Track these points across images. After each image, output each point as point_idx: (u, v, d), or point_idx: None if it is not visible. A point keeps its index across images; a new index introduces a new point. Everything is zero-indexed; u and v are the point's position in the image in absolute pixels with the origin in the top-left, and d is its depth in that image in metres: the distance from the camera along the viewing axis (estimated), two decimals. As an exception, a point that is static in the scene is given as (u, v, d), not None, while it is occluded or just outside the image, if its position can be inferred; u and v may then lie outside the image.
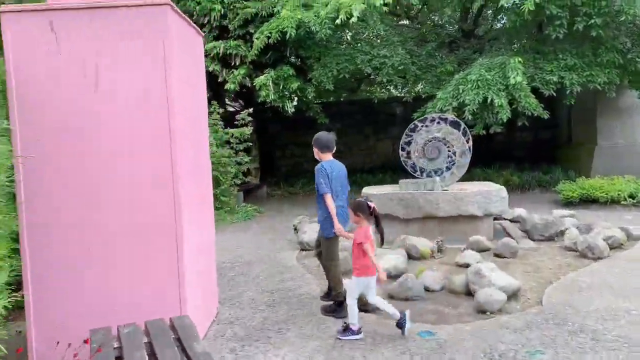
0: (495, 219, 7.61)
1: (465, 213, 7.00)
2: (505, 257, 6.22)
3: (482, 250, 6.45)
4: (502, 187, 7.37)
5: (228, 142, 10.73)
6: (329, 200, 4.44)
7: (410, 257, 6.27)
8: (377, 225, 4.16)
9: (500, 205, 7.13)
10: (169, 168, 3.56)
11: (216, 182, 10.19)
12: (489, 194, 7.06)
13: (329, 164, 4.60)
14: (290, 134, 16.42)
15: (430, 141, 7.57)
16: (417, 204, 7.15)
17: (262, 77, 10.99)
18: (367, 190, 7.84)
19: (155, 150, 3.55)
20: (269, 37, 10.56)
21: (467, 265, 5.56)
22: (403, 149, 7.78)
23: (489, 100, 9.61)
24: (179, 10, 3.85)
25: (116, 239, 3.55)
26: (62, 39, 3.50)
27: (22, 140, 3.48)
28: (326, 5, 10.36)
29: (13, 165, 3.39)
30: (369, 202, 4.12)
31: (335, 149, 4.78)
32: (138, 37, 3.51)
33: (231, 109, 14.74)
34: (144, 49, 3.51)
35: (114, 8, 3.50)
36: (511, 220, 8.08)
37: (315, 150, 4.75)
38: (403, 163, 7.77)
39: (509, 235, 7.25)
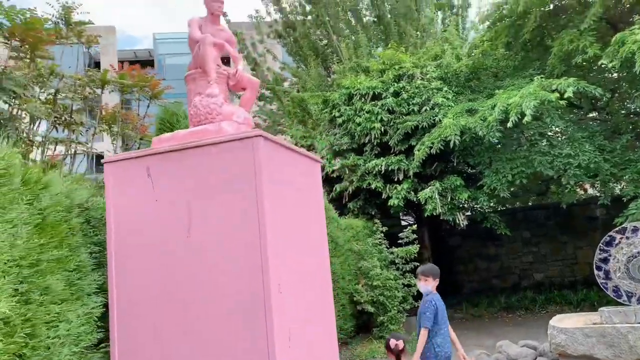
0: None
1: None
2: None
3: None
4: None
5: (393, 263, 9.92)
6: (424, 335, 4.57)
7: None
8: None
9: None
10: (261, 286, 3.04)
11: (382, 309, 9.33)
12: None
13: (437, 298, 4.70)
14: (473, 245, 15.00)
15: (636, 257, 5.85)
16: (625, 342, 5.38)
17: (426, 190, 10.23)
18: (556, 321, 6.24)
19: (247, 272, 3.16)
20: (430, 148, 9.92)
21: None
22: (599, 268, 6.14)
23: None
24: (281, 140, 3.46)
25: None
26: (157, 181, 3.30)
27: (117, 274, 3.25)
28: (492, 108, 9.46)
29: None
30: (391, 340, 4.27)
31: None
32: (229, 170, 3.20)
33: (403, 224, 14.05)
34: (235, 179, 3.20)
35: (204, 146, 3.24)
36: None
37: (427, 279, 4.78)
38: (601, 286, 6.11)
39: None
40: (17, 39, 5.20)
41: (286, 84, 17.30)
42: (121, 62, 38.07)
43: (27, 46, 5.30)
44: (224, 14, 15.63)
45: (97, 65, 37.57)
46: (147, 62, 38.85)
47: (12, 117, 5.04)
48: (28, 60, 5.45)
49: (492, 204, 11.25)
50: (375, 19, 16.66)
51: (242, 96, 4.37)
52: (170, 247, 3.26)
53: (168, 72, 28.81)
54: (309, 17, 16.63)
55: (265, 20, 17.60)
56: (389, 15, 16.18)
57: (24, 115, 5.46)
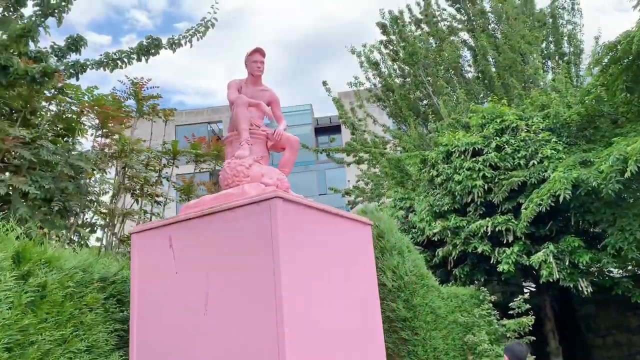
0: None
1: None
2: None
3: None
4: None
5: (505, 337, 8.79)
6: None
7: None
8: None
9: None
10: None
11: (494, 391, 8.20)
12: None
13: None
14: (609, 316, 13.06)
15: None
16: None
17: (539, 254, 9.11)
18: None
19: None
20: (539, 205, 8.90)
21: None
22: None
23: None
24: (308, 201, 3.08)
25: None
26: (178, 251, 3.06)
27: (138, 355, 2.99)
28: (609, 157, 8.33)
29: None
30: None
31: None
32: (247, 237, 2.89)
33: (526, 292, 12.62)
34: (253, 247, 2.87)
35: (221, 212, 2.96)
36: None
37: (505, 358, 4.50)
38: None
39: None
40: (89, 116, 5.52)
41: (389, 146, 17.04)
42: (239, 136, 40.69)
43: (98, 122, 5.61)
44: (332, 89, 15.94)
45: (219, 139, 40.41)
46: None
47: (84, 192, 5.25)
48: (100, 136, 5.76)
49: (619, 266, 9.73)
50: (479, 74, 16.06)
51: (282, 157, 4.12)
52: (188, 326, 2.96)
53: (282, 144, 30.07)
54: (408, 79, 16.45)
55: (365, 85, 17.72)
56: (493, 69, 15.50)
57: (106, 190, 5.69)
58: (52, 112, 5.71)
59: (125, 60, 4.87)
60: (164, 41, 5.07)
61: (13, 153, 4.83)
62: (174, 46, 5.08)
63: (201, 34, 5.21)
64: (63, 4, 4.37)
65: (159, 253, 3.22)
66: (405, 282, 7.90)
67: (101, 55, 4.88)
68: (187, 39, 5.18)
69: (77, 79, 4.87)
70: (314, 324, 2.91)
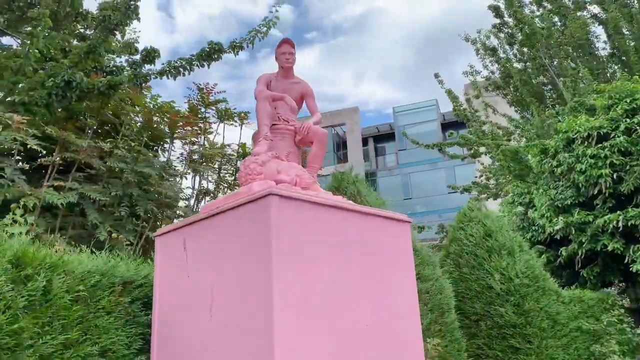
0: None
1: None
2: None
3: None
4: None
5: (641, 349, 7.60)
6: None
7: None
8: None
9: None
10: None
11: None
12: None
13: None
14: None
15: None
16: None
17: (681, 252, 7.74)
18: None
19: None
20: (679, 195, 7.57)
21: None
22: None
23: None
24: (317, 197, 2.81)
25: None
26: (191, 254, 3.01)
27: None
28: None
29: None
30: None
31: None
32: (246, 237, 2.77)
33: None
34: (251, 248, 2.73)
35: (225, 212, 2.84)
36: None
37: None
38: None
39: None
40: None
41: (514, 137, 15.77)
42: (364, 138, 40.51)
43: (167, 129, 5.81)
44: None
45: (344, 144, 40.73)
46: (388, 135, 40.56)
47: (153, 198, 5.47)
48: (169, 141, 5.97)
49: None
50: (615, 51, 14.20)
51: (310, 152, 3.85)
52: (198, 329, 2.86)
53: (408, 142, 29.29)
54: (528, 63, 15.08)
55: (483, 73, 16.59)
56: (631, 42, 13.60)
57: (183, 195, 5.90)
58: (140, 123, 6.09)
59: (187, 67, 4.99)
60: (225, 46, 5.10)
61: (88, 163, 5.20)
62: (235, 49, 5.09)
63: (263, 35, 5.17)
64: (122, 21, 4.61)
65: (176, 256, 3.18)
66: (515, 285, 7.20)
67: (164, 64, 5.06)
68: (249, 41, 5.16)
69: (141, 88, 5.10)
70: (312, 327, 2.63)
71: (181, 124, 6.00)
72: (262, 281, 2.52)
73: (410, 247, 3.36)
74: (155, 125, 6.04)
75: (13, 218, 3.77)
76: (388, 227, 3.26)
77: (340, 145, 41.14)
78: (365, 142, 40.51)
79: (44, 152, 5.41)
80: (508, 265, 7.27)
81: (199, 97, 6.35)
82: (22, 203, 4.04)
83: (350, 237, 2.98)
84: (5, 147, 4.73)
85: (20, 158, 5.50)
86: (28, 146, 4.83)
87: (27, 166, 5.04)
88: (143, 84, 5.41)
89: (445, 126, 37.96)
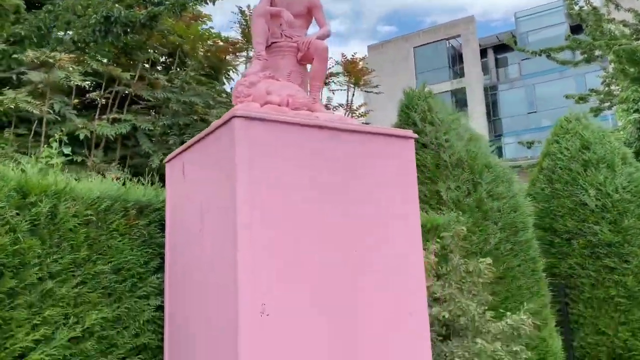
0: None
1: None
2: None
3: None
4: None
5: None
6: None
7: None
8: None
9: None
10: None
11: None
12: None
13: None
14: None
15: None
16: None
17: None
18: None
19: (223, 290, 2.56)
20: None
21: None
22: None
23: None
24: (292, 116, 2.60)
25: None
26: (187, 177, 3.01)
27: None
28: None
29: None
30: None
31: None
32: (220, 161, 2.71)
33: None
34: (224, 171, 2.63)
35: (205, 137, 2.87)
36: None
37: None
38: None
39: None
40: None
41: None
42: (483, 49, 37.62)
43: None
44: None
45: (460, 57, 38.10)
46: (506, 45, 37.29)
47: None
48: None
49: None
50: None
51: (311, 68, 3.51)
52: (193, 255, 2.92)
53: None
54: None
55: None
56: None
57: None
58: (201, 54, 6.06)
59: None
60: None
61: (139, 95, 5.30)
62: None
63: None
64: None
65: (179, 181, 3.22)
66: (613, 201, 6.52)
67: (197, -11, 4.88)
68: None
69: (179, 16, 4.99)
70: (282, 263, 2.46)
71: (231, 50, 5.90)
72: (230, 210, 2.43)
73: (413, 167, 2.96)
74: (216, 55, 6.01)
75: (49, 150, 4.00)
76: (387, 146, 2.89)
77: (457, 58, 38.65)
78: (484, 53, 37.67)
79: (92, 87, 5.60)
80: (606, 180, 6.64)
81: (242, 20, 6.15)
82: (61, 135, 4.24)
83: (339, 160, 2.70)
84: (58, 84, 4.98)
85: (73, 95, 5.77)
86: (80, 83, 5.04)
87: (76, 101, 5.27)
88: (196, 14, 5.34)
89: (575, 29, 33.93)
